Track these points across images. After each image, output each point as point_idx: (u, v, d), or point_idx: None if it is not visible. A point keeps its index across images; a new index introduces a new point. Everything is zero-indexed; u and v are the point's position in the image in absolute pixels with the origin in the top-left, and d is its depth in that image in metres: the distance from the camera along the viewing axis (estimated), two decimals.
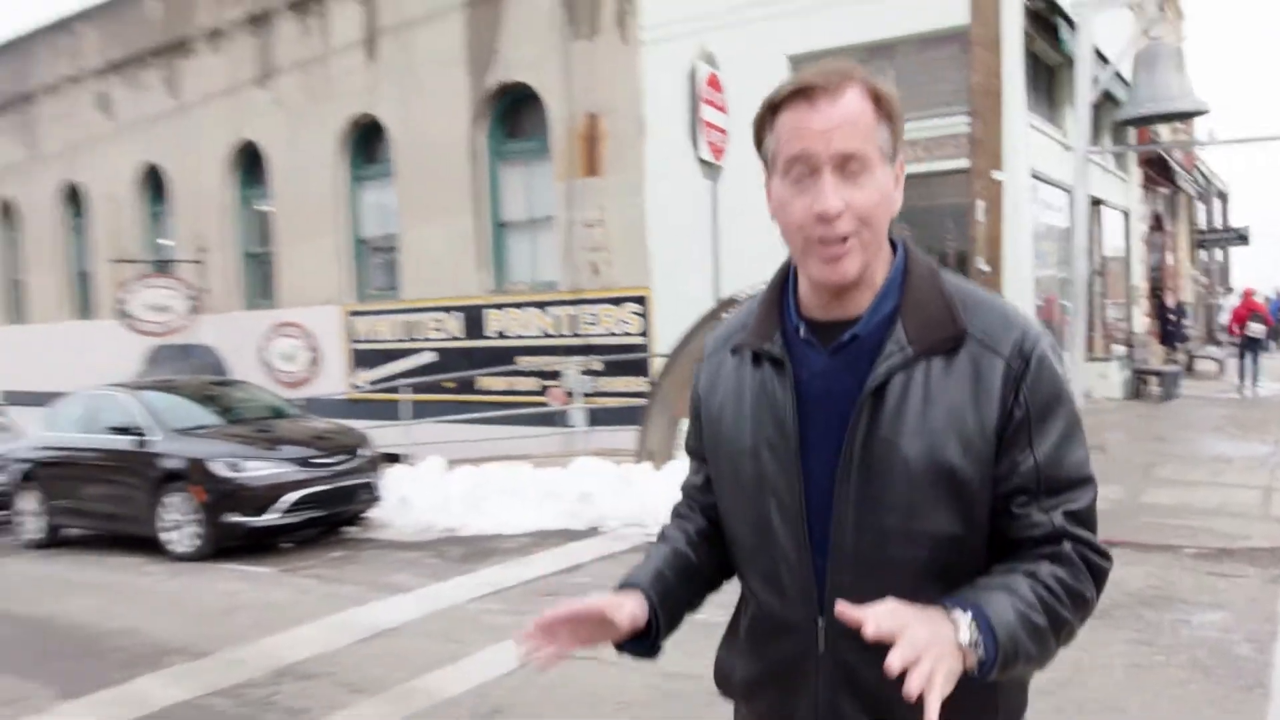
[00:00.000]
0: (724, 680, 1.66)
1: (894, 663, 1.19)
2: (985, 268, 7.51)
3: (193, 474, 9.18)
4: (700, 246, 9.24)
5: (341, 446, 9.87)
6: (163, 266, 16.61)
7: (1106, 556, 1.44)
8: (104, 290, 18.21)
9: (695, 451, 1.68)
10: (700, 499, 1.68)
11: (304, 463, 9.37)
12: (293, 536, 9.48)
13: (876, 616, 1.24)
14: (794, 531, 1.46)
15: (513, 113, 13.59)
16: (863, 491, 1.41)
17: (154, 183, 17.85)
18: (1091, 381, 13.52)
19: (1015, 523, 1.41)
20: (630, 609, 1.49)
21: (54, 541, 10.78)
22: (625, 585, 1.56)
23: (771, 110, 1.42)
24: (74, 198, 19.41)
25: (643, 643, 1.55)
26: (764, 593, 1.53)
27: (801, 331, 1.47)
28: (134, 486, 9.69)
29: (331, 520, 9.66)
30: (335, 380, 14.81)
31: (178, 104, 16.95)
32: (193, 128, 16.66)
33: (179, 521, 9.28)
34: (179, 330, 15.35)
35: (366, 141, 14.90)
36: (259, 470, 9.13)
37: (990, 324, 1.41)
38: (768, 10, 10.67)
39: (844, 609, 1.27)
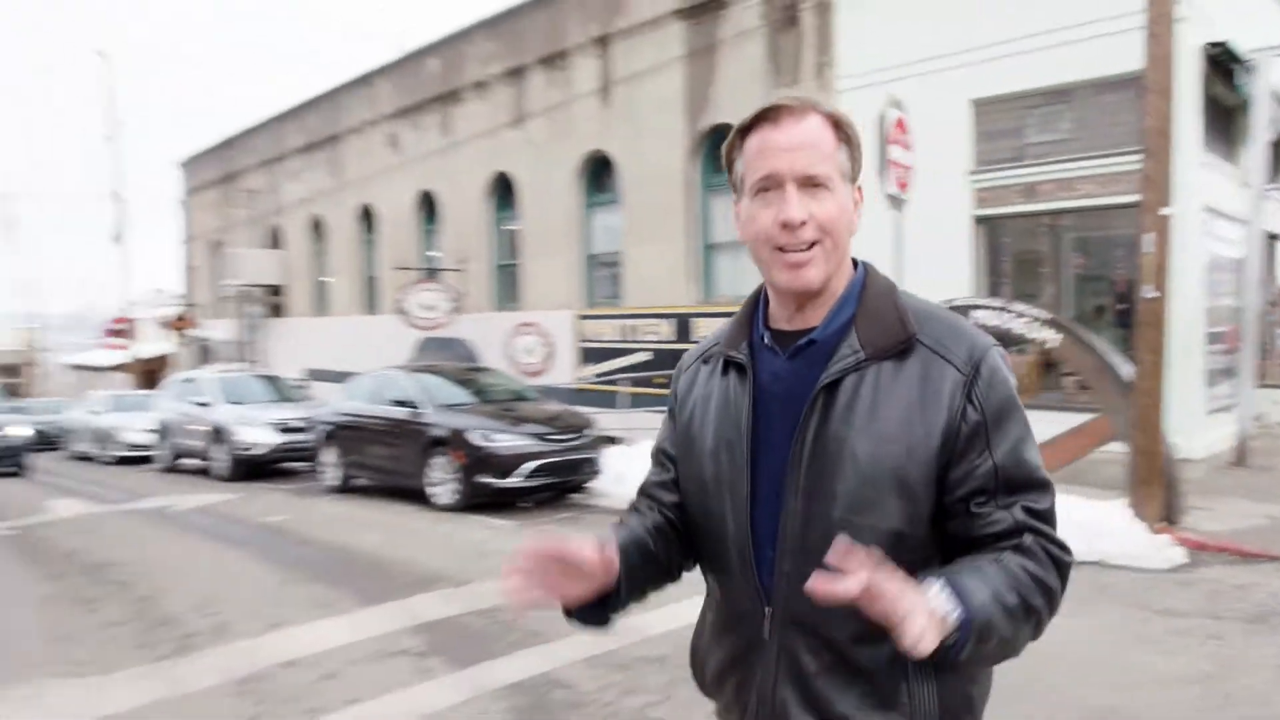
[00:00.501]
0: (699, 675, 1.55)
1: (900, 609, 1.11)
2: (1153, 294, 7.20)
3: (454, 441, 9.99)
4: (882, 268, 9.18)
5: (571, 426, 10.45)
6: (432, 274, 17.89)
7: (1067, 550, 1.33)
8: (386, 292, 19.82)
9: (662, 453, 1.58)
10: (660, 497, 1.55)
11: (541, 438, 10.01)
12: (529, 498, 10.14)
13: (858, 575, 1.11)
14: (741, 522, 1.38)
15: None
16: (811, 484, 1.32)
17: (428, 206, 19.28)
18: (1264, 407, 12.53)
19: (975, 521, 1.30)
20: (607, 566, 1.34)
21: (346, 488, 11.93)
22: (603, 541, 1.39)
23: (741, 135, 1.37)
24: (367, 217, 21.20)
25: (598, 611, 1.40)
26: (720, 585, 1.45)
27: (765, 339, 1.42)
28: (407, 448, 10.60)
29: (561, 487, 10.25)
30: (565, 372, 15.58)
31: (449, 142, 18.23)
32: (460, 161, 17.91)
33: (442, 479, 10.11)
34: (443, 326, 16.50)
35: (598, 173, 15.60)
36: (506, 441, 9.84)
37: (940, 333, 1.34)
38: (953, 60, 10.53)
39: (818, 582, 1.12)
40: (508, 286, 17.48)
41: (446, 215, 18.51)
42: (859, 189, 1.41)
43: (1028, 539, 1.30)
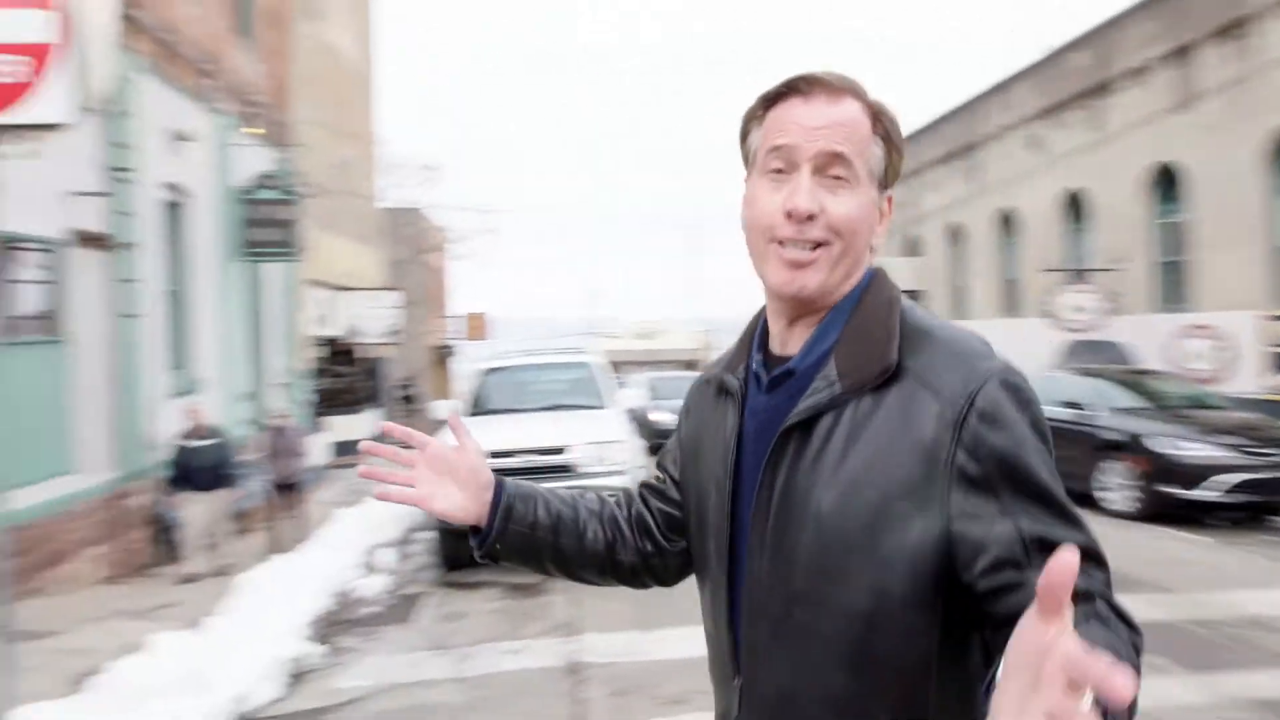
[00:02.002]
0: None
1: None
2: None
3: (1132, 446, 9.61)
4: None
5: (1272, 439, 9.31)
6: (1081, 274, 17.20)
7: (1139, 632, 0.97)
8: (1028, 294, 19.56)
9: (664, 464, 1.38)
10: (649, 497, 1.36)
11: (1239, 449, 9.11)
12: (1223, 514, 9.29)
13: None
14: (718, 580, 1.17)
15: None
16: (774, 545, 1.08)
17: (1074, 205, 18.55)
18: None
19: (1013, 598, 0.96)
20: (476, 465, 1.25)
21: None
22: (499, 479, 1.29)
23: (765, 105, 1.14)
24: (1005, 221, 21.15)
25: (481, 536, 1.28)
26: (707, 636, 1.24)
27: (754, 365, 1.18)
28: (1073, 450, 10.43)
29: (1261, 507, 9.19)
30: (1247, 380, 13.75)
31: (1098, 137, 17.34)
32: (1112, 156, 16.92)
33: (1117, 484, 9.79)
34: (1095, 328, 15.78)
35: None
36: (1195, 450, 9.18)
37: (934, 359, 1.06)
38: None
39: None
40: (1171, 286, 16.02)
41: (1096, 213, 17.63)
42: (889, 199, 1.16)
43: (1099, 606, 0.96)
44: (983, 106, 21.76)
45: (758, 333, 1.20)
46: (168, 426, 8.58)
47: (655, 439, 15.55)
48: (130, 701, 4.57)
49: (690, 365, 41.33)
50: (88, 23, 4.19)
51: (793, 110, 1.09)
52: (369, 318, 16.88)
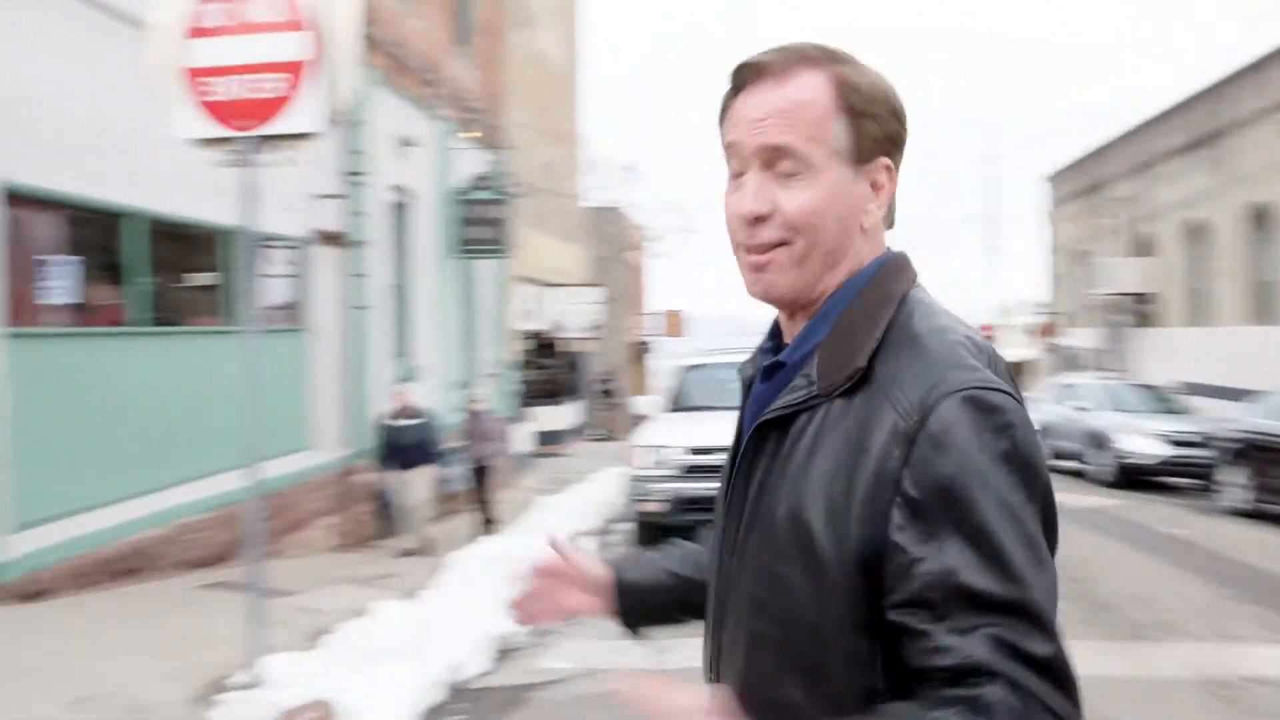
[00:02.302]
0: None
1: None
2: None
3: None
4: None
5: None
6: None
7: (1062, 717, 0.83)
8: None
9: None
10: None
11: None
12: None
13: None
14: (710, 577, 1.13)
15: None
16: (740, 546, 1.04)
17: None
18: None
19: (914, 645, 0.88)
20: (588, 568, 1.30)
21: (1254, 512, 10.99)
22: (609, 563, 1.34)
23: (725, 100, 1.06)
24: (1258, 216, 19.05)
25: (624, 619, 1.32)
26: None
27: (761, 352, 1.13)
28: None
29: None
30: None
31: None
32: None
33: None
34: None
35: None
36: None
37: (905, 366, 0.95)
38: None
39: (622, 685, 0.95)
40: None
41: None
42: (887, 168, 1.04)
43: (992, 691, 0.83)
44: (1233, 90, 19.68)
45: (773, 321, 1.15)
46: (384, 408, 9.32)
47: None
48: (358, 661, 5.01)
49: None
50: (335, 41, 4.62)
51: (739, 104, 1.04)
52: (572, 313, 17.55)
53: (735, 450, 1.11)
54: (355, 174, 9.39)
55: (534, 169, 16.27)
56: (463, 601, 6.28)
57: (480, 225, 12.11)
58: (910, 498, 0.89)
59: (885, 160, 1.04)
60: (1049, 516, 0.94)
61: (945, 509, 0.88)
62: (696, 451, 7.50)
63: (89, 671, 4.70)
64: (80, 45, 6.16)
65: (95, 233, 6.64)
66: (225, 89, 4.57)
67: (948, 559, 0.87)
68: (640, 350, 29.79)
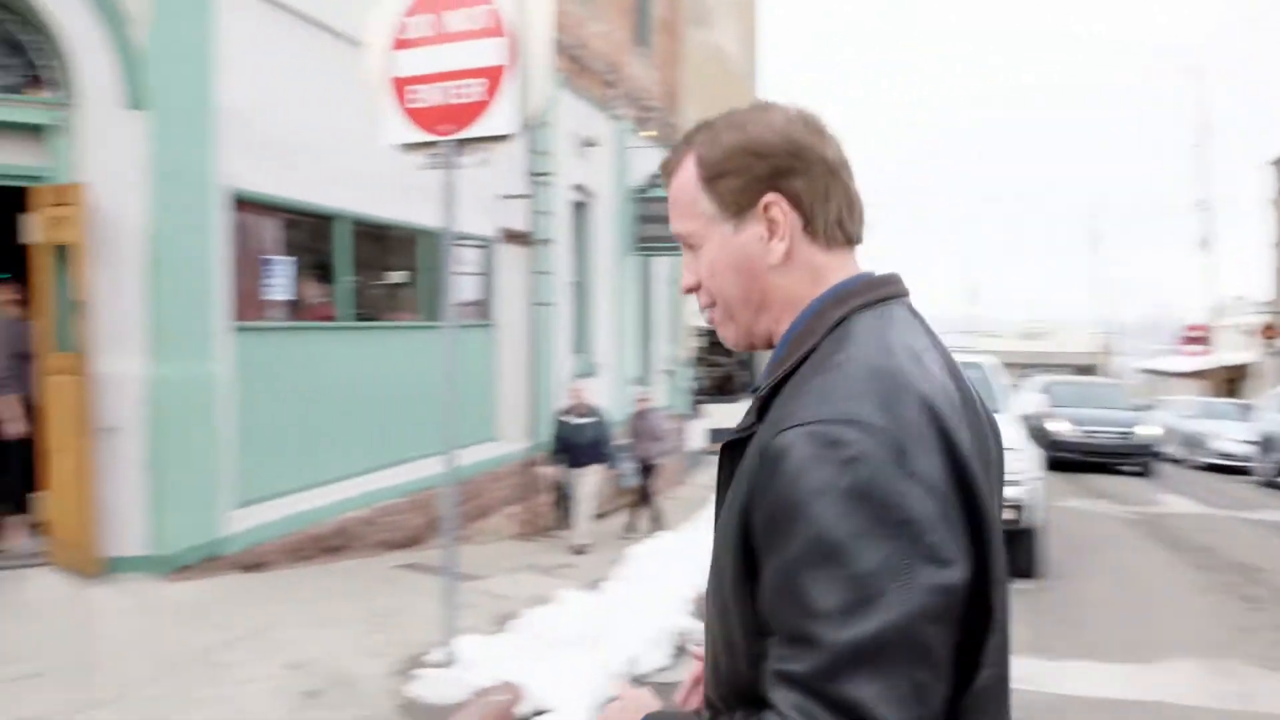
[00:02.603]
0: None
1: None
2: None
3: None
4: None
5: None
6: None
7: None
8: None
9: None
10: None
11: None
12: None
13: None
14: None
15: None
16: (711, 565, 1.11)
17: None
18: None
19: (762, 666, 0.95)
20: None
21: None
22: None
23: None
24: None
25: None
26: None
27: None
28: None
29: None
30: None
31: None
32: None
33: None
34: None
35: None
36: None
37: (789, 397, 0.99)
38: None
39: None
40: None
41: None
42: (766, 206, 1.08)
43: (768, 717, 0.89)
44: None
45: None
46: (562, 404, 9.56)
47: (1053, 451, 14.28)
48: (543, 648, 5.16)
49: (1086, 370, 37.56)
50: (529, 47, 4.76)
51: None
52: None
53: None
54: (540, 175, 9.70)
55: None
56: (641, 595, 6.35)
57: (657, 223, 12.21)
58: (757, 525, 0.95)
59: (768, 198, 1.08)
60: (939, 542, 0.89)
61: (769, 536, 0.93)
62: None
63: (301, 640, 5.08)
64: (297, 59, 6.66)
65: (308, 234, 7.18)
66: (429, 96, 4.81)
67: (771, 583, 0.92)
68: None
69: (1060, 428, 15.37)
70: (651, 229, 12.38)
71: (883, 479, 0.89)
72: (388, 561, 7.18)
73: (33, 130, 5.52)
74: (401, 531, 7.69)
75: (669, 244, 12.31)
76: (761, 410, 1.03)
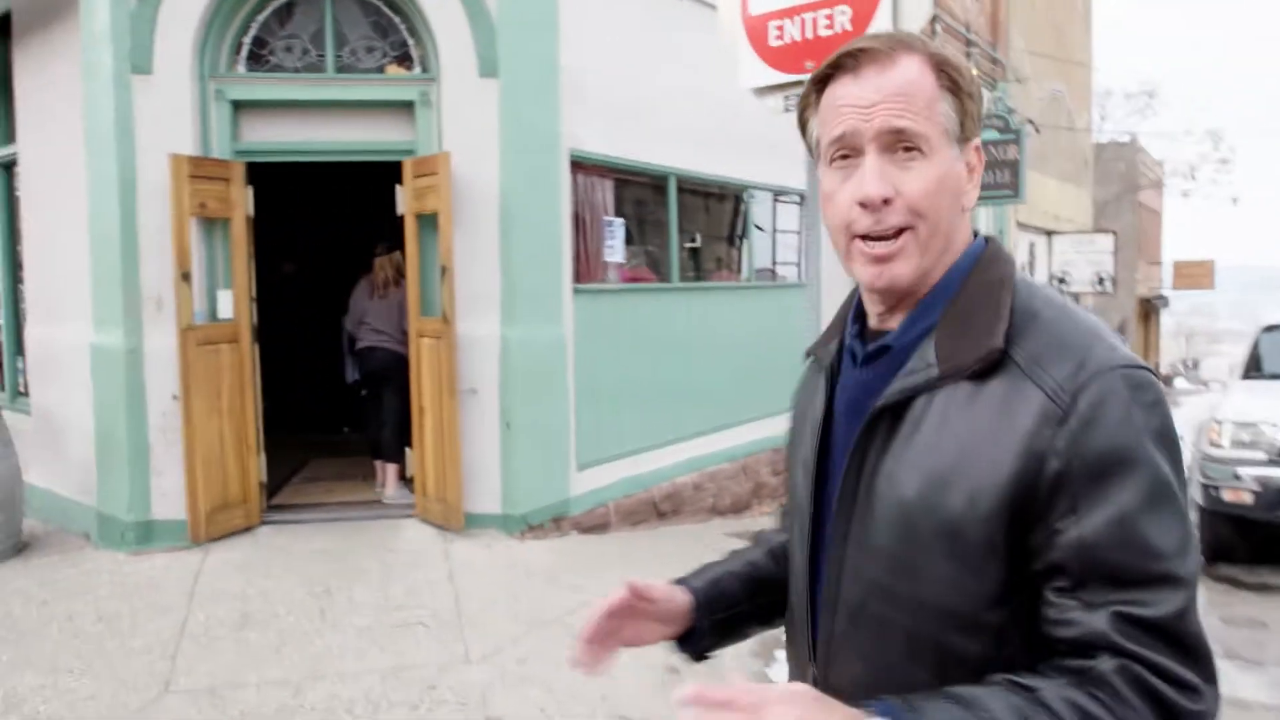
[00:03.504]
0: None
1: None
2: None
3: None
4: None
5: None
6: None
7: (1190, 689, 0.85)
8: None
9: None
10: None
11: None
12: None
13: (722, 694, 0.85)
14: (801, 562, 1.13)
15: None
16: (856, 532, 1.03)
17: None
18: None
19: (1049, 613, 0.91)
20: (666, 598, 1.25)
21: None
22: (677, 581, 1.30)
23: (816, 88, 1.06)
24: None
25: (690, 643, 1.29)
26: (786, 627, 1.24)
27: (847, 338, 1.13)
28: None
29: None
30: None
31: None
32: None
33: None
34: None
35: None
36: None
37: (1042, 347, 0.95)
38: None
39: (693, 691, 0.86)
40: None
41: None
42: (976, 149, 1.06)
43: (1105, 662, 0.86)
44: None
45: (854, 306, 1.15)
46: None
47: None
48: None
49: None
50: None
51: (844, 90, 1.02)
52: (1079, 264, 15.65)
53: (824, 437, 1.10)
54: None
55: (1037, 103, 14.64)
56: None
57: (986, 169, 11.13)
58: (1061, 474, 0.90)
59: (976, 141, 1.06)
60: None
61: (1096, 484, 0.89)
62: None
63: None
64: (626, 17, 6.55)
65: (637, 193, 7.12)
66: (791, 31, 4.41)
67: (1091, 533, 0.88)
68: (1151, 306, 25.91)
69: None
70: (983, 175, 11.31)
71: (1172, 420, 0.93)
72: (717, 528, 7.04)
73: (404, 106, 5.81)
74: (729, 497, 7.54)
75: (1004, 191, 11.18)
76: (951, 359, 0.98)
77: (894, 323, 1.07)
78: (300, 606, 4.84)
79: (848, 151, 1.02)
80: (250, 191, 5.76)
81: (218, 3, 5.59)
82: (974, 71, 1.04)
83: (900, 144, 1.00)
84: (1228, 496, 6.25)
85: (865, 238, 1.02)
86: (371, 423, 6.68)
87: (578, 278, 6.27)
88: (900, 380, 1.00)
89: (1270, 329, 8.00)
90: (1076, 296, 17.56)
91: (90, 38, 5.53)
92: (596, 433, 6.40)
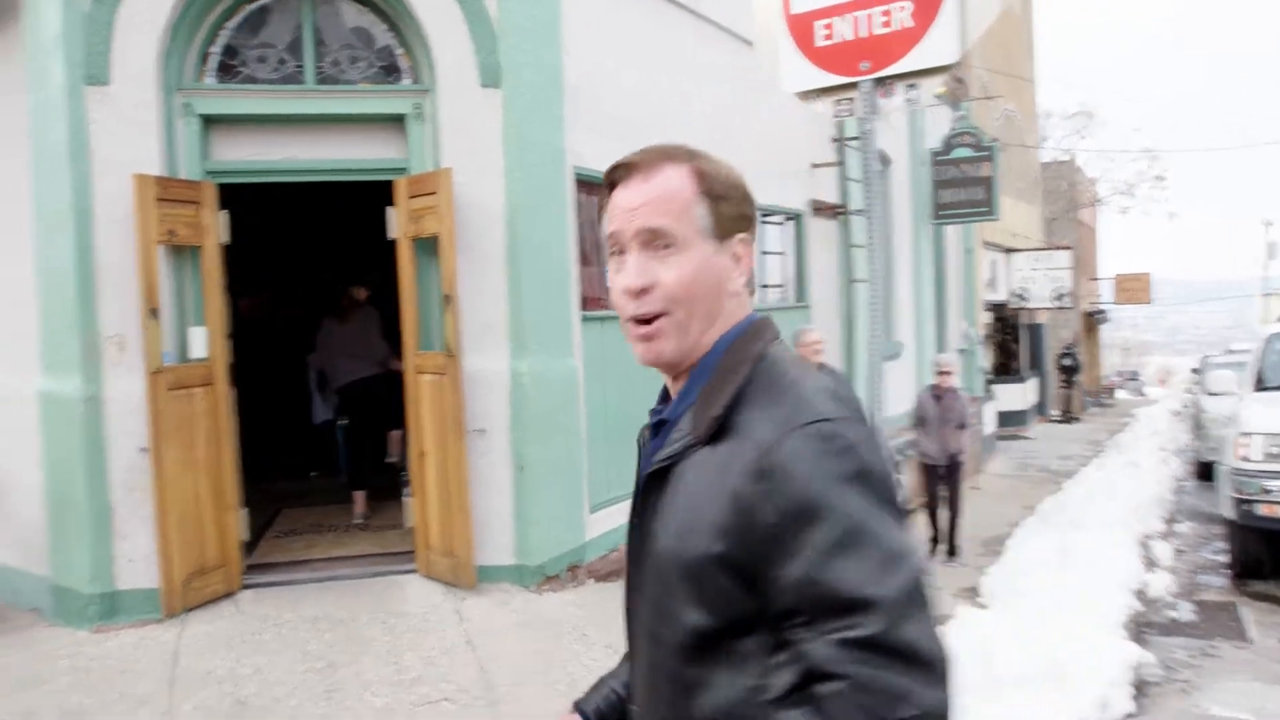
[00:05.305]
0: None
1: None
2: None
3: None
4: None
5: None
6: None
7: (900, 697, 0.91)
8: None
9: None
10: None
11: None
12: None
13: None
14: (625, 613, 1.24)
15: None
16: (638, 583, 1.17)
17: None
18: None
19: (793, 653, 1.00)
20: None
21: None
22: (575, 705, 1.36)
23: (605, 193, 1.19)
24: None
25: None
26: None
27: (652, 412, 1.24)
28: None
29: None
30: None
31: None
32: None
33: None
34: None
35: None
36: None
37: (760, 408, 1.06)
38: None
39: None
40: None
41: None
42: (742, 242, 1.16)
43: (824, 687, 0.95)
44: None
45: (664, 385, 1.24)
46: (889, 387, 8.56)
47: None
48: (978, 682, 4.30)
49: None
50: None
51: (616, 197, 1.15)
52: (1037, 279, 15.69)
53: (633, 500, 1.20)
54: (848, 140, 8.79)
55: (993, 122, 14.69)
56: (1052, 612, 5.34)
57: (958, 187, 10.99)
58: (771, 525, 0.98)
59: (741, 235, 1.16)
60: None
61: (796, 531, 0.96)
62: None
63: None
64: (633, 30, 6.12)
65: None
66: (840, 30, 4.02)
67: (801, 575, 0.96)
68: (1093, 321, 26.38)
69: None
70: (951, 194, 11.17)
71: (875, 459, 1.01)
72: None
73: (394, 120, 5.26)
74: None
75: (976, 208, 11.05)
76: (708, 434, 1.06)
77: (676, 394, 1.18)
78: (303, 686, 4.20)
79: (618, 248, 1.14)
80: (224, 216, 5.14)
81: (184, 6, 4.98)
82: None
83: (657, 241, 1.11)
84: (1263, 511, 6.04)
85: (635, 320, 1.13)
86: (354, 454, 6.61)
87: (584, 304, 5.77)
88: (664, 450, 1.12)
89: (1277, 336, 7.90)
90: (1034, 313, 17.66)
91: (37, 43, 4.86)
92: (608, 471, 5.87)
